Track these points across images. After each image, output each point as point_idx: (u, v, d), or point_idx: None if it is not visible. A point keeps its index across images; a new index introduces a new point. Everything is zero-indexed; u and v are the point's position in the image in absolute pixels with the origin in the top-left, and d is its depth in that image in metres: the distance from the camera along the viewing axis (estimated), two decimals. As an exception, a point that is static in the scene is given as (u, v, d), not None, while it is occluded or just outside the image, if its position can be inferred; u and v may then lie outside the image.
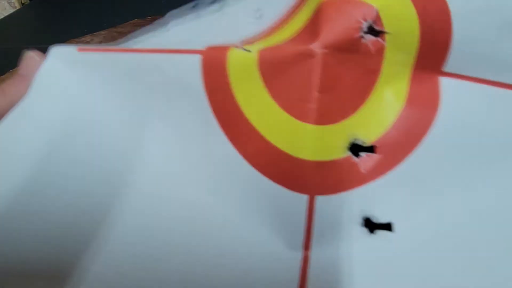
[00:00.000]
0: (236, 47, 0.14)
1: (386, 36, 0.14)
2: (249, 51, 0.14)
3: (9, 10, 0.74)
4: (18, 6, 0.74)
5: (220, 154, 0.15)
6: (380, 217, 0.15)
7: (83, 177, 0.14)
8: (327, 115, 0.14)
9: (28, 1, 0.73)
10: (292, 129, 0.14)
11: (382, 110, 0.15)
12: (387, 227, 0.15)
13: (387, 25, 0.14)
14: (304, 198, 0.15)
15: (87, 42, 0.42)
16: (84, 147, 0.14)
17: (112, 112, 0.15)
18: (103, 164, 0.14)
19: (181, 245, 0.15)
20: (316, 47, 0.14)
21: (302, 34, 0.14)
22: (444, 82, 0.15)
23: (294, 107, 0.14)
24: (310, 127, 0.14)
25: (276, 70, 0.14)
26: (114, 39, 0.41)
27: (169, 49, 0.14)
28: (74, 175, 0.14)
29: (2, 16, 0.66)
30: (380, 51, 0.14)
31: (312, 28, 0.14)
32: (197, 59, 0.13)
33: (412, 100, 0.15)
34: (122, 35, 0.31)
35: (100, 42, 0.41)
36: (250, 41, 0.15)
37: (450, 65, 0.15)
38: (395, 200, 0.15)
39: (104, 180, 0.14)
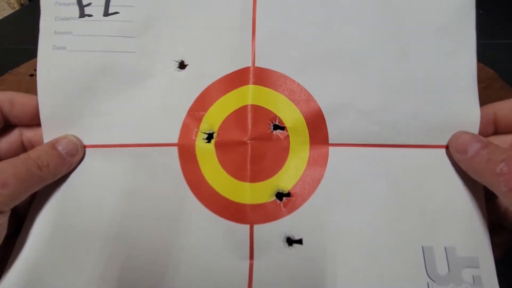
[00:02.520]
0: (198, 131, 0.25)
1: (288, 128, 0.25)
2: (209, 142, 0.25)
3: (8, 11, 0.73)
4: (17, 7, 0.73)
5: (190, 207, 0.24)
6: (295, 236, 0.23)
7: None
8: (257, 176, 0.24)
9: (27, 2, 0.72)
10: (235, 186, 0.24)
11: (293, 170, 0.24)
12: (300, 242, 0.23)
13: (286, 122, 0.25)
14: (246, 226, 0.24)
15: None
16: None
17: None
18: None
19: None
20: (247, 139, 0.25)
21: (235, 125, 0.25)
22: (331, 149, 0.25)
23: (236, 173, 0.25)
24: (246, 184, 0.24)
25: (225, 152, 0.25)
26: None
27: (152, 143, 0.25)
28: None
29: (1, 17, 0.65)
30: (286, 137, 0.25)
31: (242, 122, 0.24)
32: (175, 149, 0.25)
33: (310, 163, 0.24)
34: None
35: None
36: (198, 116, 0.25)
37: (331, 139, 0.25)
38: (303, 224, 0.23)
39: None
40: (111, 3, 0.26)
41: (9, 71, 0.43)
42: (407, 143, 0.24)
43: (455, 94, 0.24)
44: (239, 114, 0.25)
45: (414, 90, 0.24)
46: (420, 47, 0.24)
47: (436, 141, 0.24)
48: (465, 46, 0.24)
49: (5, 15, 0.65)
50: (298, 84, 0.25)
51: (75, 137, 0.25)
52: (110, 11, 0.25)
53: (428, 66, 0.24)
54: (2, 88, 0.42)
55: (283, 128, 0.25)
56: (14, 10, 0.71)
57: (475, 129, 0.23)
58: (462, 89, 0.24)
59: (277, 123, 0.25)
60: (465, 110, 0.24)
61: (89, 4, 0.25)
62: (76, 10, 0.25)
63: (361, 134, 0.24)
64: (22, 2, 0.72)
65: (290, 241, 0.23)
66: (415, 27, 0.25)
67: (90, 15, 0.25)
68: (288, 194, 0.24)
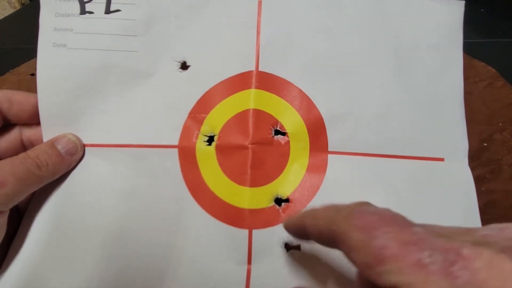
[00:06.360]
0: (199, 134, 0.24)
1: (288, 134, 0.25)
2: (209, 145, 0.25)
3: (9, 10, 0.73)
4: (18, 6, 0.73)
5: (189, 210, 0.24)
6: (293, 242, 0.23)
7: None
8: (257, 181, 0.24)
9: (28, 1, 0.72)
10: (234, 190, 0.24)
11: (292, 176, 0.25)
12: (298, 247, 0.23)
13: (287, 128, 0.25)
14: (245, 231, 0.24)
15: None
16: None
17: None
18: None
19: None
20: (248, 143, 0.25)
21: (236, 128, 0.25)
22: (330, 157, 0.25)
23: (236, 177, 0.24)
24: (246, 189, 0.24)
25: (225, 155, 0.25)
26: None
27: (152, 144, 0.25)
28: None
29: (2, 16, 0.65)
30: (287, 143, 0.25)
31: (244, 126, 0.24)
32: (175, 152, 0.25)
33: (310, 169, 0.25)
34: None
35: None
36: (199, 118, 0.25)
37: (331, 147, 0.25)
38: None
39: None
40: (113, 1, 0.25)
41: (10, 71, 0.42)
42: (405, 154, 0.24)
43: (445, 109, 0.25)
44: (241, 118, 0.25)
45: (410, 103, 0.25)
46: (414, 62, 0.25)
47: (432, 154, 0.24)
48: (453, 64, 0.25)
49: (6, 14, 0.64)
50: (300, 91, 0.25)
51: (74, 135, 0.24)
52: (111, 9, 0.25)
53: (421, 81, 0.25)
54: (4, 88, 0.41)
55: (284, 134, 0.25)
56: (15, 10, 0.70)
57: (464, 146, 0.25)
58: (450, 105, 0.25)
59: (278, 128, 0.25)
60: (453, 126, 0.25)
61: (90, 1, 0.25)
62: (77, 6, 0.25)
63: (360, 143, 0.25)
64: (23, 2, 0.71)
65: (288, 247, 0.23)
66: (410, 43, 0.25)
67: (91, 12, 0.25)
68: (287, 200, 0.24)
